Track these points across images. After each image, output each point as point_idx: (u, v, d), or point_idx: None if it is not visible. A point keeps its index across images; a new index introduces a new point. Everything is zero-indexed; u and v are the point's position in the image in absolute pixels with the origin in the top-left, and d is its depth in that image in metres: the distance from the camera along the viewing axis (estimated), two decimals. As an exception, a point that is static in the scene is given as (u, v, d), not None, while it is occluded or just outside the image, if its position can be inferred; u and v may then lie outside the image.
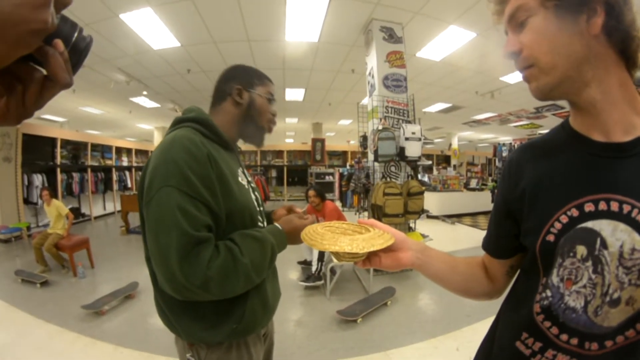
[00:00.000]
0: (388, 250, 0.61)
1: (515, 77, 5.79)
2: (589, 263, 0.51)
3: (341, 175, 10.07)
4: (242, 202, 0.89)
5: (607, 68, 0.51)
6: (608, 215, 0.50)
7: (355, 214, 6.83)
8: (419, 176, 5.54)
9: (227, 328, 0.86)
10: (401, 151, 3.94)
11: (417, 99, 4.96)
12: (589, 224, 0.51)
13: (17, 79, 0.28)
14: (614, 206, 0.50)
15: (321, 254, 3.52)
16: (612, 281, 0.50)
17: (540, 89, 0.53)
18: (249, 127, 1.00)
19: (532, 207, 0.58)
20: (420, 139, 3.96)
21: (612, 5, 0.47)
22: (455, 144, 13.50)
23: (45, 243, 4.01)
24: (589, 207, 0.51)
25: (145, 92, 6.65)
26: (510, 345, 0.62)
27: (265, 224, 1.01)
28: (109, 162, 9.44)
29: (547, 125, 9.52)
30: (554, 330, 0.55)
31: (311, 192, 3.77)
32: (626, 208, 0.49)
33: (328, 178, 10.46)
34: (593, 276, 0.51)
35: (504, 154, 8.04)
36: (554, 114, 8.39)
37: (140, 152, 11.16)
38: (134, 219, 6.57)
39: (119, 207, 8.20)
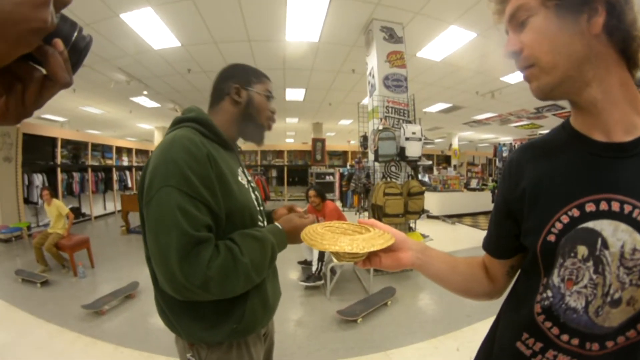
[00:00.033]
0: (388, 250, 0.60)
1: (515, 77, 5.79)
2: (590, 263, 0.51)
3: (341, 175, 10.07)
4: (242, 202, 0.89)
5: (608, 68, 0.51)
6: (609, 215, 0.50)
7: (356, 214, 6.84)
8: (420, 176, 5.54)
9: (228, 328, 0.86)
10: (401, 151, 3.94)
11: (417, 99, 4.96)
12: (590, 224, 0.51)
13: (17, 78, 0.27)
14: (615, 206, 0.50)
15: (321, 254, 3.52)
16: (613, 281, 0.50)
17: (541, 89, 0.53)
18: (249, 126, 1.00)
19: (532, 207, 0.58)
20: (420, 139, 3.96)
21: (613, 4, 0.47)
22: (455, 144, 13.50)
23: (46, 243, 4.02)
24: (590, 207, 0.51)
25: (145, 92, 6.65)
26: (510, 346, 0.62)
27: (265, 223, 1.01)
28: (109, 161, 9.45)
29: (548, 125, 9.52)
30: (555, 330, 0.55)
31: (311, 192, 3.77)
32: (627, 208, 0.49)
33: (328, 178, 10.47)
34: (594, 276, 0.51)
35: (505, 154, 8.05)
36: (554, 114, 8.38)
37: (140, 152, 11.16)
38: (135, 219, 6.57)
39: (119, 207, 8.21)
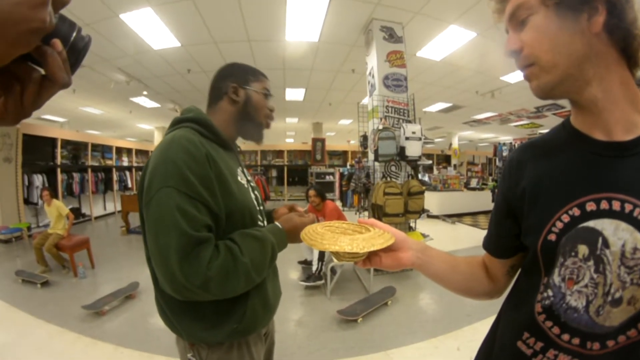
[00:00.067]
0: (388, 249, 0.60)
1: (515, 76, 5.78)
2: (591, 262, 0.51)
3: (341, 175, 10.06)
4: (242, 202, 0.89)
5: (609, 66, 0.51)
6: (610, 214, 0.50)
7: (356, 213, 6.83)
8: (420, 176, 5.54)
9: (228, 328, 0.86)
10: (401, 151, 3.94)
11: (417, 99, 4.96)
12: (591, 223, 0.51)
13: (16, 79, 0.27)
14: (616, 205, 0.49)
15: (321, 254, 3.52)
16: (613, 281, 0.50)
17: (541, 88, 0.53)
18: (247, 124, 1.00)
19: (532, 206, 0.58)
20: (420, 139, 3.95)
21: (614, 3, 0.47)
22: (455, 143, 13.50)
23: (46, 243, 4.01)
24: (590, 206, 0.51)
25: (145, 92, 6.65)
26: (511, 345, 0.62)
27: (265, 223, 1.01)
28: (109, 162, 9.45)
29: (548, 124, 9.52)
30: (556, 330, 0.55)
31: (311, 192, 3.77)
32: (628, 207, 0.49)
33: (328, 178, 10.46)
34: (595, 276, 0.51)
35: (505, 153, 8.04)
36: (554, 114, 8.38)
37: (140, 152, 11.16)
38: (135, 219, 6.57)
39: (119, 207, 8.20)
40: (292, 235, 0.94)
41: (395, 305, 3.18)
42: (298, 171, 12.43)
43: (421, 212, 4.07)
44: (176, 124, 0.90)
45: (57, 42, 0.27)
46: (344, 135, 13.27)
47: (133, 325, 2.85)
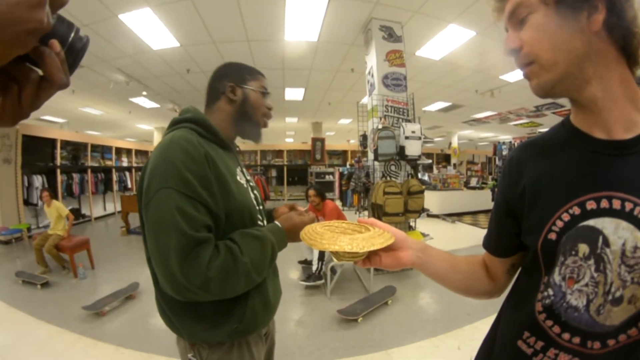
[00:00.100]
0: (388, 249, 0.60)
1: (515, 75, 5.78)
2: (591, 261, 0.51)
3: (341, 175, 10.07)
4: (241, 202, 0.89)
5: (608, 65, 0.51)
6: (610, 213, 0.50)
7: (356, 213, 6.83)
8: (419, 175, 5.53)
9: (229, 328, 0.86)
10: (401, 150, 3.94)
11: (416, 98, 4.95)
12: (591, 222, 0.51)
13: (13, 80, 0.27)
14: (616, 204, 0.49)
15: (321, 254, 3.52)
16: (614, 279, 0.49)
17: (541, 86, 0.53)
18: (245, 124, 1.00)
19: (533, 205, 0.58)
20: (420, 138, 3.95)
21: (614, 1, 0.47)
22: (455, 142, 13.50)
23: (46, 244, 4.01)
24: (590, 205, 0.51)
25: (144, 93, 6.65)
26: (512, 344, 0.62)
27: (265, 222, 1.01)
28: (109, 162, 9.44)
29: (547, 123, 9.52)
30: (556, 329, 0.55)
31: (311, 192, 3.77)
32: (628, 206, 0.49)
33: (328, 177, 10.45)
34: (595, 275, 0.51)
35: (504, 152, 8.05)
36: (553, 113, 8.39)
37: (140, 153, 11.16)
38: (134, 220, 6.56)
39: (119, 208, 8.20)
40: (292, 234, 0.94)
41: (395, 304, 3.18)
42: (298, 171, 12.43)
43: (421, 211, 4.07)
44: (174, 124, 0.90)
45: (55, 43, 0.27)
46: (343, 135, 13.27)
47: (133, 325, 2.85)
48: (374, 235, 0.58)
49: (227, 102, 0.97)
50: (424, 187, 4.20)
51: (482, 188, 9.16)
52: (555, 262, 0.54)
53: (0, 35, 0.22)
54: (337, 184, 10.34)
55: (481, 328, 2.54)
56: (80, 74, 5.28)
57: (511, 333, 0.63)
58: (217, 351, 0.88)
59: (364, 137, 4.82)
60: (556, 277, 0.55)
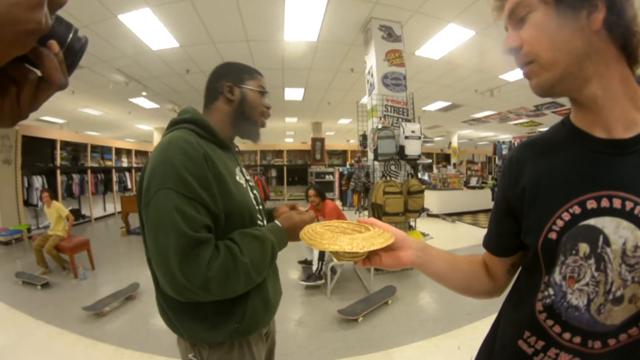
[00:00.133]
0: (388, 249, 0.60)
1: (514, 75, 5.78)
2: (592, 261, 0.51)
3: (341, 175, 10.07)
4: (241, 202, 0.89)
5: (608, 64, 0.50)
6: (611, 212, 0.49)
7: (356, 213, 6.83)
8: (419, 175, 5.53)
9: (229, 328, 0.86)
10: (401, 150, 3.94)
11: (416, 98, 4.95)
12: (592, 222, 0.50)
13: (12, 80, 0.27)
14: (617, 203, 0.49)
15: (321, 254, 3.52)
16: (615, 279, 0.49)
17: (541, 85, 0.53)
18: (244, 123, 1.00)
19: (533, 204, 0.58)
20: (420, 138, 3.95)
21: (614, 0, 0.47)
22: (455, 142, 13.50)
23: (46, 245, 4.01)
24: (591, 204, 0.51)
25: (144, 93, 6.65)
26: (512, 344, 0.62)
27: (265, 222, 1.01)
28: (108, 163, 9.44)
29: (547, 123, 9.52)
30: (557, 328, 0.55)
31: (311, 192, 3.77)
32: (629, 205, 0.49)
33: (328, 177, 10.45)
34: (596, 274, 0.50)
35: (504, 152, 8.05)
36: (553, 112, 8.39)
37: (139, 153, 11.16)
38: (135, 220, 6.56)
39: (119, 208, 8.20)
40: (292, 233, 0.94)
41: (395, 304, 3.18)
42: (298, 171, 12.43)
43: (421, 211, 4.07)
44: (173, 125, 0.90)
45: (54, 44, 0.27)
46: (343, 135, 13.27)
47: (134, 326, 2.85)
48: (374, 235, 0.58)
49: (226, 102, 0.97)
50: (423, 186, 4.20)
51: (482, 187, 9.16)
52: (555, 261, 0.54)
53: (-1, 36, 0.22)
54: (337, 184, 10.34)
55: (481, 328, 2.54)
56: (79, 74, 5.28)
57: (512, 333, 0.63)
58: (218, 351, 0.88)
59: (364, 137, 4.82)
60: (557, 277, 0.54)
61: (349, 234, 0.61)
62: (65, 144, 7.84)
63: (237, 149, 1.09)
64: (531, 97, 6.86)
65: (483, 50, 4.84)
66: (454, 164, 13.02)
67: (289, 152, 12.76)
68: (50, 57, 0.27)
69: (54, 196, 4.44)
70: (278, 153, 12.76)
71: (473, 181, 9.57)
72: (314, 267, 3.55)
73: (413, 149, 3.91)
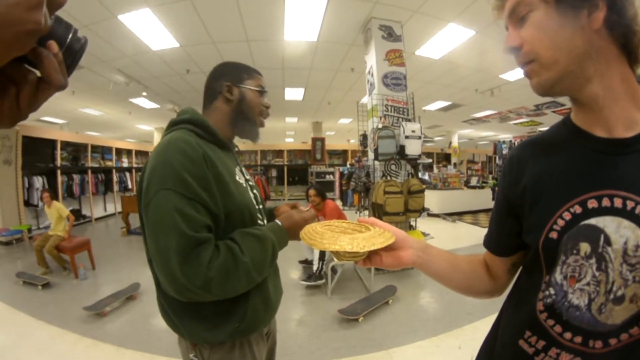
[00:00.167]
0: (389, 248, 0.60)
1: (514, 74, 5.78)
2: (593, 260, 0.50)
3: (341, 174, 10.07)
4: (241, 201, 0.88)
5: (609, 63, 0.50)
6: (612, 211, 0.49)
7: (356, 212, 6.83)
8: (420, 174, 5.53)
9: (230, 327, 0.86)
10: (401, 149, 3.94)
11: (416, 97, 4.95)
12: (593, 221, 0.50)
13: (11, 81, 0.27)
14: (618, 202, 0.49)
15: (322, 253, 3.52)
16: (616, 278, 0.49)
17: (541, 85, 0.53)
18: (243, 123, 0.99)
19: (533, 204, 0.58)
20: (420, 137, 3.95)
21: None
22: (455, 142, 13.49)
23: (47, 245, 4.01)
24: (592, 204, 0.51)
25: (144, 93, 6.65)
26: (513, 344, 0.61)
27: (265, 221, 1.01)
28: (109, 163, 9.44)
29: (547, 122, 9.51)
30: (558, 328, 0.55)
31: (312, 192, 3.77)
32: (630, 204, 0.49)
33: (328, 177, 10.45)
34: (597, 273, 0.50)
35: (504, 151, 8.05)
36: (554, 112, 8.38)
37: (140, 153, 11.17)
38: (135, 220, 6.56)
39: (119, 209, 8.21)
40: (293, 232, 0.94)
41: (396, 304, 3.18)
42: (298, 171, 12.44)
43: (421, 210, 4.07)
44: (172, 125, 0.90)
45: (53, 44, 0.27)
46: (343, 135, 13.27)
47: (134, 326, 2.85)
48: (374, 234, 0.58)
49: (224, 101, 0.97)
50: (424, 186, 4.20)
51: (482, 187, 9.15)
52: (556, 261, 0.54)
53: (-2, 36, 0.22)
54: (337, 184, 10.34)
55: (482, 327, 2.54)
56: (79, 74, 5.28)
57: (512, 332, 0.63)
58: (219, 351, 0.88)
59: (364, 136, 4.82)
60: (557, 276, 0.54)
61: (349, 234, 0.61)
62: (65, 144, 7.84)
63: (236, 149, 1.09)
64: (531, 97, 6.86)
65: (483, 50, 4.84)
66: (455, 164, 13.02)
67: (289, 152, 12.77)
68: (50, 57, 0.27)
69: (54, 196, 4.44)
70: (278, 153, 12.77)
71: (473, 181, 9.57)
72: (315, 267, 3.55)
73: (413, 148, 3.91)
